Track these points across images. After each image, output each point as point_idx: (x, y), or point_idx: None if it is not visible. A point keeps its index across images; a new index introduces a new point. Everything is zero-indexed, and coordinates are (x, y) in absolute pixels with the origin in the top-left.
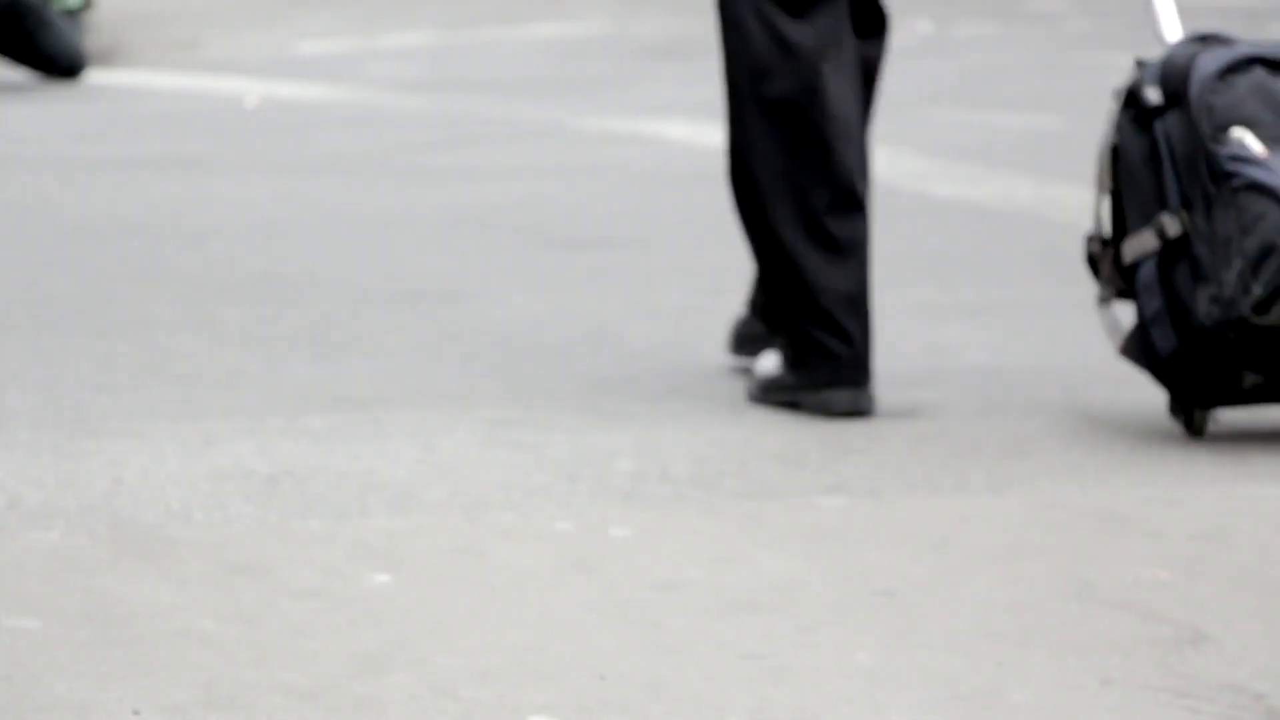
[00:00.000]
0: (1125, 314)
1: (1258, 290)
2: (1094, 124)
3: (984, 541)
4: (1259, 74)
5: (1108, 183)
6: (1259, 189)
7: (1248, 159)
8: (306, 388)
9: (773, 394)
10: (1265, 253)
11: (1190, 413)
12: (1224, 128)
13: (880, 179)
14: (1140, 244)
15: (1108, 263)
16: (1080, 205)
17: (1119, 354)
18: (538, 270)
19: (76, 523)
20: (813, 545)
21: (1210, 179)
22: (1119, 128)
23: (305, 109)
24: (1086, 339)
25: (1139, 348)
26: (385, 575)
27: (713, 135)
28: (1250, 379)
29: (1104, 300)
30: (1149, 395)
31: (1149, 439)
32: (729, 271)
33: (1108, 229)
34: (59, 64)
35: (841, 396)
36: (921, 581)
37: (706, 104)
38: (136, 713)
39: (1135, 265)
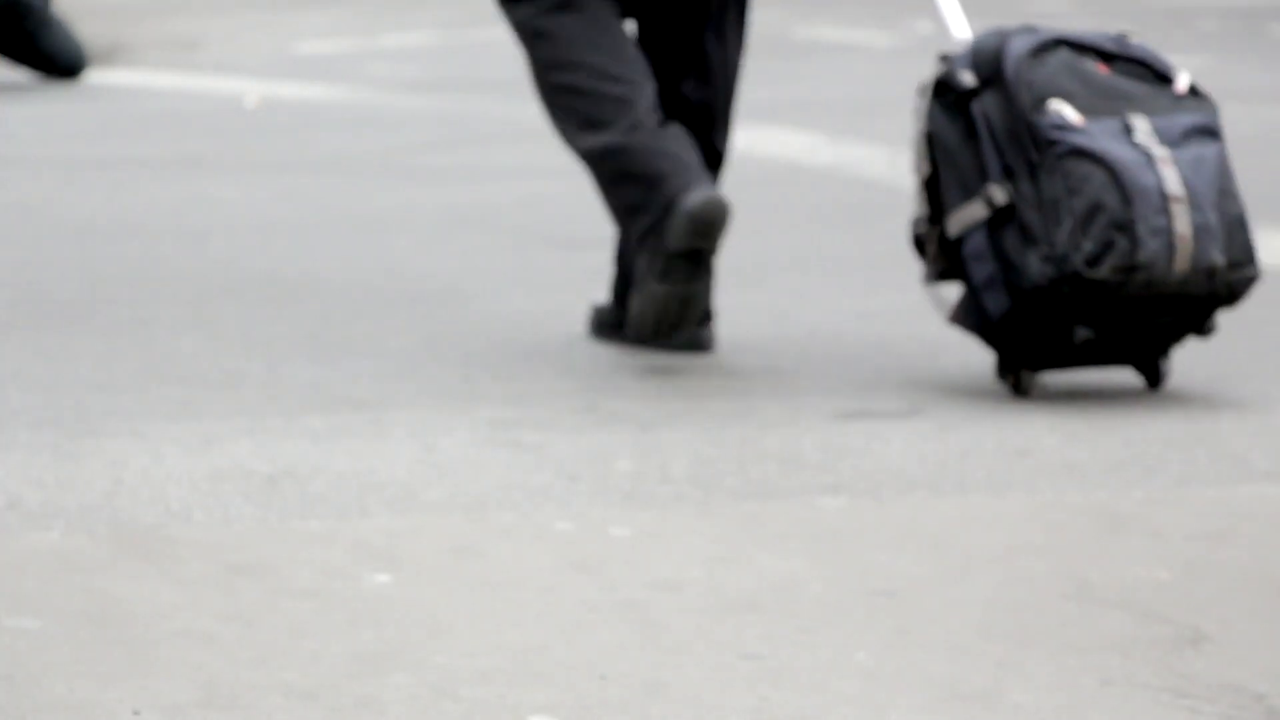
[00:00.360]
0: (951, 291)
1: (1088, 246)
2: None
3: (984, 541)
4: (1065, 54)
5: (925, 169)
6: (1082, 153)
7: (1068, 127)
8: (306, 388)
9: (606, 331)
10: (1093, 211)
11: (1018, 374)
12: (1042, 100)
13: (880, 179)
14: (966, 216)
15: (933, 243)
16: None
17: (948, 322)
18: (538, 270)
19: (76, 523)
20: (813, 545)
21: (1034, 148)
22: (930, 116)
23: (305, 109)
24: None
25: (969, 314)
26: (385, 575)
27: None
28: (1081, 333)
29: (930, 279)
30: (1149, 395)
31: (1149, 439)
32: (729, 271)
33: (929, 212)
34: (59, 64)
35: (682, 333)
36: (921, 581)
37: None
38: (136, 713)
39: (960, 239)
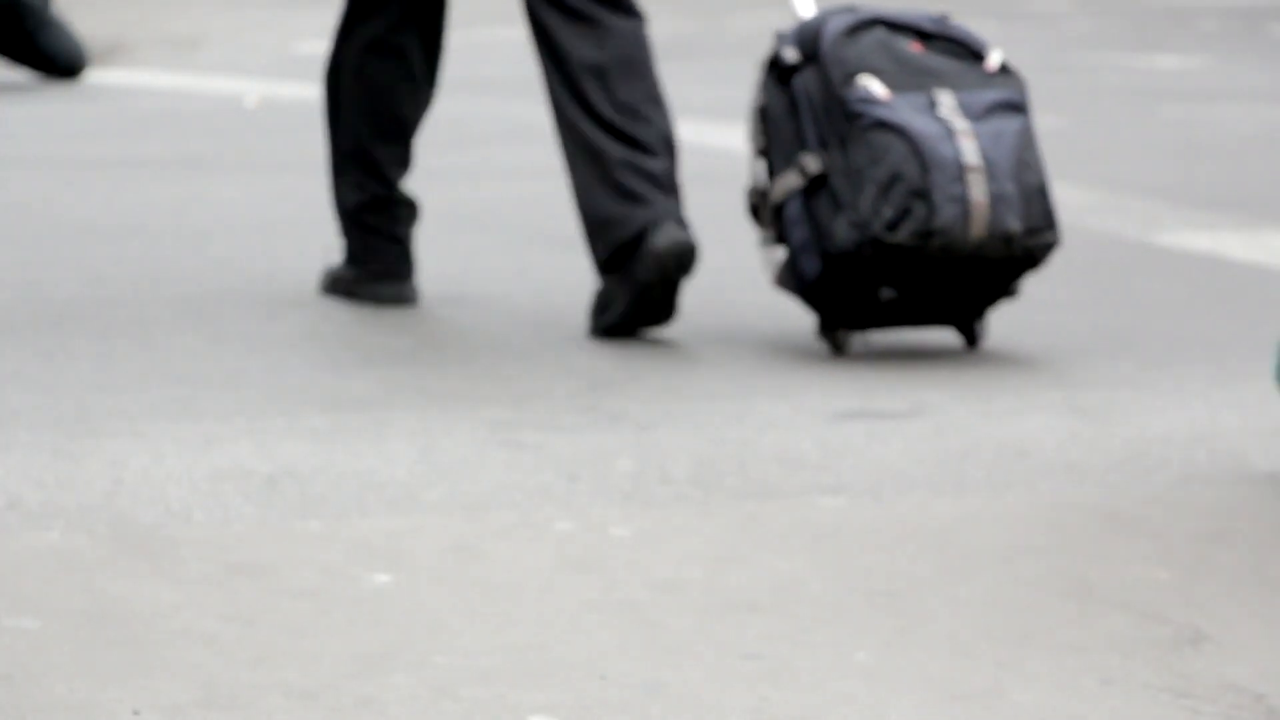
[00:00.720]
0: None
1: (888, 212)
2: (1094, 124)
3: (984, 541)
4: (880, 32)
5: (760, 141)
6: (884, 126)
7: (873, 101)
8: (306, 388)
9: (335, 286)
10: (893, 179)
11: (835, 334)
12: (852, 76)
13: None
14: (786, 184)
15: (767, 211)
16: (1080, 206)
17: (773, 285)
18: (538, 270)
19: (76, 523)
20: (813, 545)
21: (843, 120)
22: (765, 89)
23: (305, 109)
24: (1086, 339)
25: (790, 276)
26: (385, 575)
27: (713, 135)
28: (886, 294)
29: (765, 243)
30: (1149, 396)
31: (1149, 439)
32: (729, 271)
33: (764, 182)
34: (59, 64)
35: (390, 289)
36: (921, 581)
37: (707, 104)
38: (136, 713)
39: (782, 205)
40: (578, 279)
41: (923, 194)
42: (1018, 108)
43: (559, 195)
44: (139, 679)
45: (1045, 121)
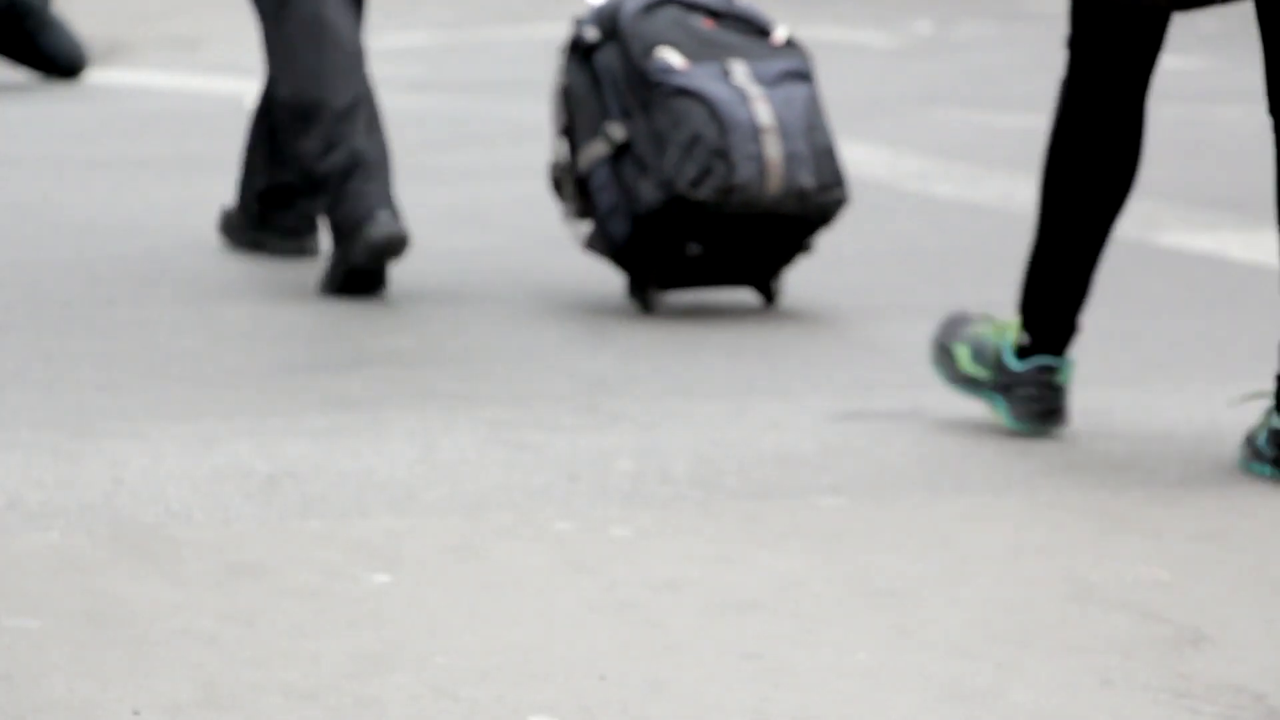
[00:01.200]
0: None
1: (691, 171)
2: None
3: (984, 541)
4: (674, 10)
5: (562, 120)
6: (684, 92)
7: (672, 70)
8: (306, 388)
9: (236, 235)
10: (694, 141)
11: (644, 293)
12: (651, 48)
13: (881, 179)
14: (592, 153)
15: (569, 184)
16: None
17: (583, 249)
18: (538, 270)
19: (76, 523)
20: (813, 545)
21: (645, 89)
22: (566, 70)
23: None
24: (1086, 339)
25: (599, 240)
26: (385, 575)
27: None
28: (693, 249)
29: (568, 216)
30: (1148, 396)
31: (1149, 439)
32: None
33: (567, 158)
34: (59, 64)
35: (294, 244)
36: (921, 581)
37: None
38: (136, 713)
39: (589, 175)
40: (578, 279)
41: (722, 153)
42: (804, 76)
43: None
44: (139, 679)
45: (1045, 121)
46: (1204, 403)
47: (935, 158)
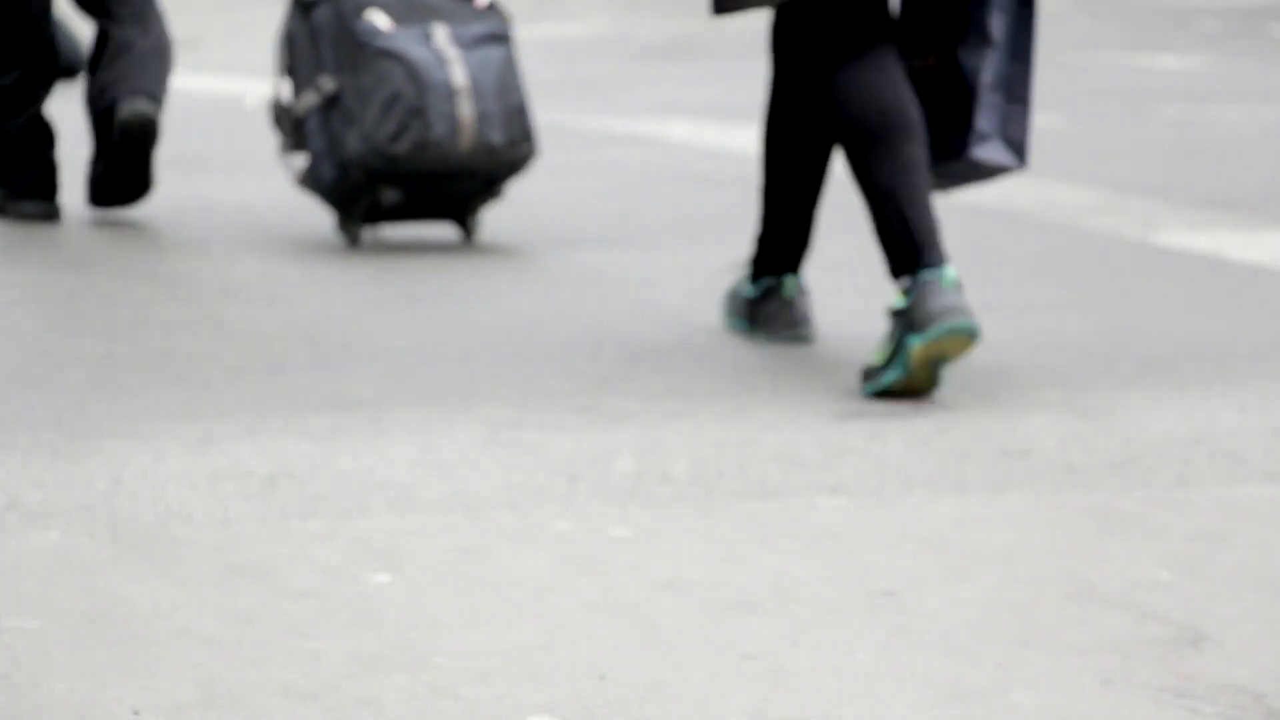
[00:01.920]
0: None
1: (389, 127)
2: (1094, 124)
3: (984, 541)
4: None
5: (286, 62)
6: (387, 54)
7: (379, 32)
8: (306, 388)
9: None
10: (393, 99)
11: (350, 229)
12: (361, 10)
13: None
14: (307, 101)
15: (287, 122)
16: (1080, 206)
17: (296, 186)
18: (538, 270)
19: (76, 523)
20: (813, 545)
21: (353, 48)
22: (291, 20)
23: None
24: (1087, 339)
25: (312, 180)
26: (385, 575)
27: (713, 135)
28: (390, 196)
29: (284, 150)
30: (1149, 396)
31: (1149, 439)
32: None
33: (288, 97)
34: (59, 64)
35: (32, 207)
36: (921, 581)
37: (706, 104)
38: (136, 713)
39: (305, 119)
40: (578, 279)
41: (419, 112)
42: (502, 39)
43: (559, 195)
44: (139, 679)
45: (1045, 121)
46: (1204, 403)
47: None
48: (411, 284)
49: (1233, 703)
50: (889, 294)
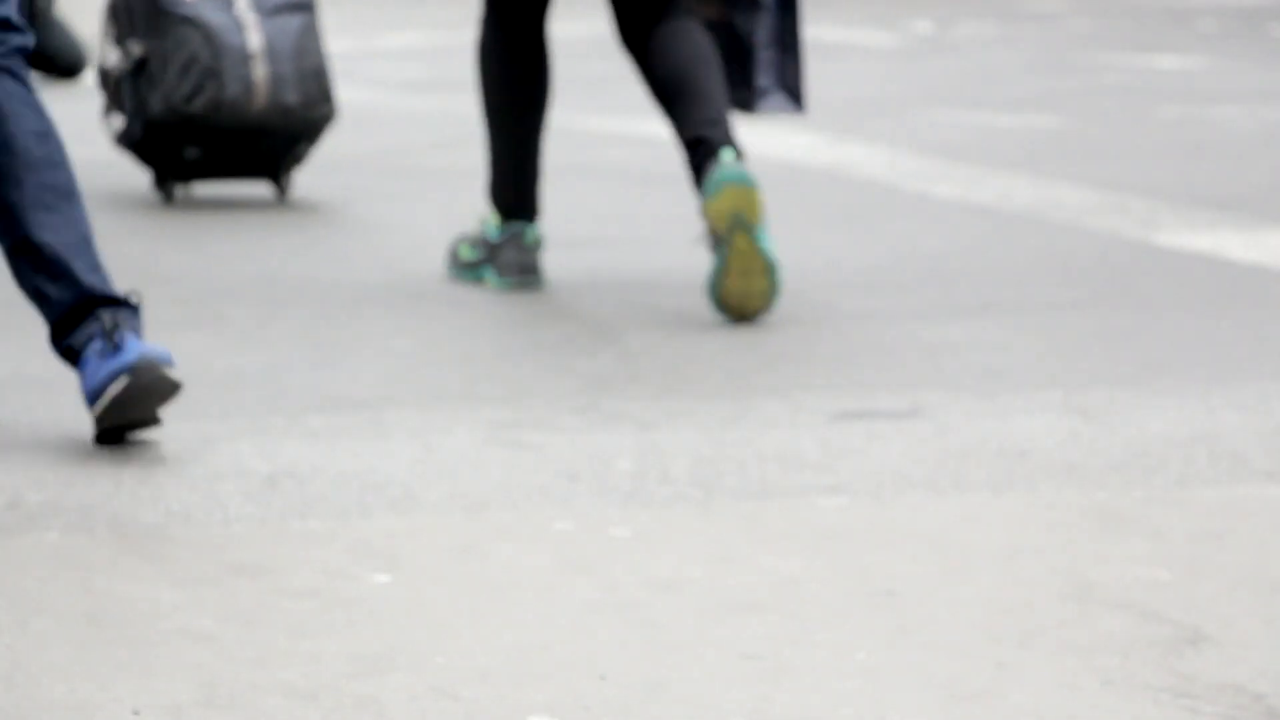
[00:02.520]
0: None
1: (186, 88)
2: (1094, 124)
3: (984, 541)
4: None
5: (111, 31)
6: (187, 20)
7: (182, 1)
8: (306, 388)
9: None
10: (191, 62)
11: (165, 186)
12: None
13: (880, 179)
14: (121, 64)
15: (112, 85)
16: (1080, 206)
17: (113, 145)
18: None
19: (76, 523)
20: (813, 545)
21: (158, 15)
22: None
23: None
24: (1087, 339)
25: (125, 139)
26: (385, 575)
27: None
28: (191, 153)
29: (104, 112)
30: (1149, 396)
31: (1149, 439)
32: None
33: (111, 62)
34: (59, 64)
35: None
36: (921, 581)
37: None
38: (136, 713)
39: (119, 82)
40: (578, 279)
41: (215, 74)
42: (304, 8)
43: (558, 195)
44: (139, 679)
45: (1045, 121)
46: (1204, 403)
47: (935, 158)
48: (412, 284)
49: (1233, 703)
50: (889, 293)
